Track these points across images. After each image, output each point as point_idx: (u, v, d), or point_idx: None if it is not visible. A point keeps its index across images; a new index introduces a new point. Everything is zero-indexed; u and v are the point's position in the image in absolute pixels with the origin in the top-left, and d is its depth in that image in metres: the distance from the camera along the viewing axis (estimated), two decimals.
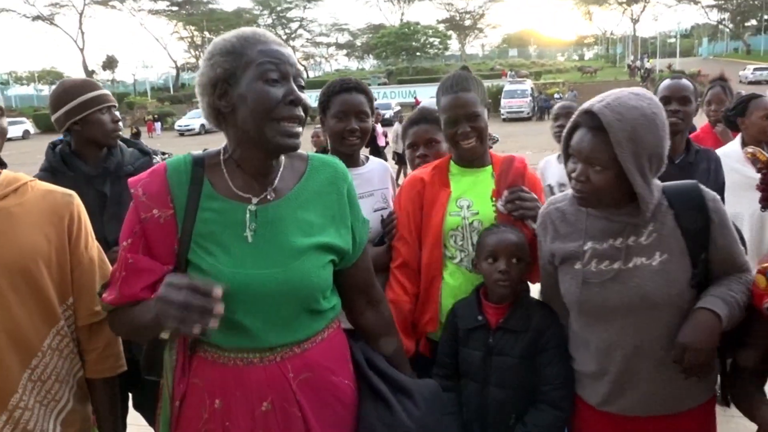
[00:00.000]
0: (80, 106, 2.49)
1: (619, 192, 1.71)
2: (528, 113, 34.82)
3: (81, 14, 68.18)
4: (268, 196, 1.56)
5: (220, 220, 1.52)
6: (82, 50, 73.23)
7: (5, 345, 1.58)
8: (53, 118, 2.54)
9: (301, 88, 1.53)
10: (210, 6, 70.43)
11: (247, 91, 1.46)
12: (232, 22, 70.01)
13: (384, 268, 2.34)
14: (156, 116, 43.06)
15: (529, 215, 2.10)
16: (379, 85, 48.41)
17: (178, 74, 76.79)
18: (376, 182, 2.49)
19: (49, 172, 2.48)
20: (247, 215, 1.52)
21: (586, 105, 1.71)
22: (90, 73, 70.45)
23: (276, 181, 1.58)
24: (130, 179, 1.57)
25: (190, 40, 70.96)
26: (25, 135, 42.61)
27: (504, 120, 33.61)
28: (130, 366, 1.87)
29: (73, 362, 1.74)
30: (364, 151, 2.57)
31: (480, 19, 77.29)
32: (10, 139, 18.97)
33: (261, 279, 1.48)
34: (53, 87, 2.68)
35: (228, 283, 1.38)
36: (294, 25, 75.26)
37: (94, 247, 1.78)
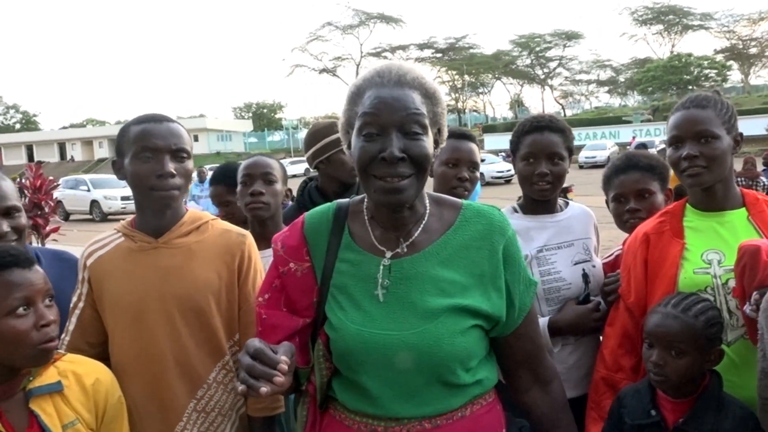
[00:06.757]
0: (325, 147, 2.72)
1: None
2: None
3: (358, 66, 75.65)
4: (400, 250, 1.45)
5: (354, 272, 1.46)
6: None
7: (175, 374, 1.69)
8: (305, 157, 2.81)
9: (414, 135, 1.37)
10: (471, 51, 73.06)
11: (353, 145, 1.43)
12: (491, 65, 71.78)
13: (589, 331, 2.07)
14: None
15: None
16: (642, 122, 45.21)
17: None
18: (576, 231, 2.22)
19: (297, 205, 2.75)
20: (380, 270, 1.44)
21: None
22: None
23: (416, 234, 1.46)
24: (275, 234, 1.59)
25: (451, 83, 74.33)
26: (306, 172, 49.30)
27: None
28: None
29: (236, 397, 1.79)
30: None
31: None
32: (294, 176, 22.09)
33: (387, 341, 1.38)
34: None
35: (352, 342, 1.38)
36: (553, 65, 74.34)
37: None
